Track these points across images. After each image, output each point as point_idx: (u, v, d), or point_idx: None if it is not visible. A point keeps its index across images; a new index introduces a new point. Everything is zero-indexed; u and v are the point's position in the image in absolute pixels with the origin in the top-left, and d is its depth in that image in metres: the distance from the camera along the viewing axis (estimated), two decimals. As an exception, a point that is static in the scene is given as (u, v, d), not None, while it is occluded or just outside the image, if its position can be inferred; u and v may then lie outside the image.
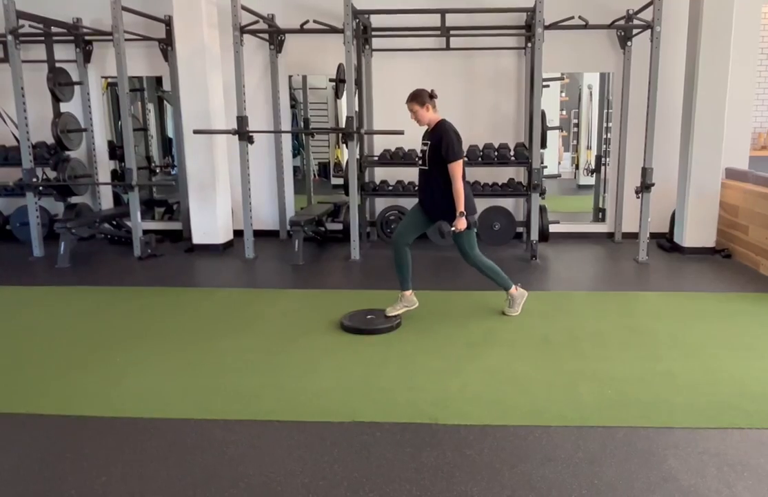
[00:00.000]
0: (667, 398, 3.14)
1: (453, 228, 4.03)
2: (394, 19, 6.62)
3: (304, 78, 8.81)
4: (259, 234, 6.89)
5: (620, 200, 6.97)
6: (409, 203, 6.27)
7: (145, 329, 4.28)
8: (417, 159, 4.33)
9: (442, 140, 4.03)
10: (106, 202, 7.56)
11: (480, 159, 6.50)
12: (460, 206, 4.03)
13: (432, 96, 4.14)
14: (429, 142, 4.14)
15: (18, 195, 6.79)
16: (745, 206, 5.90)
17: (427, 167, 4.16)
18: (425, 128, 4.26)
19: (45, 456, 2.68)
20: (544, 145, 6.46)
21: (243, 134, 6.11)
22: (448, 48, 6.82)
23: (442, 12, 6.32)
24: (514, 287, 4.46)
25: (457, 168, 4.01)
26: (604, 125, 7.61)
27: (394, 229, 6.63)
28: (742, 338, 3.97)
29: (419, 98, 4.10)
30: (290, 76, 7.37)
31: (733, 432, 2.82)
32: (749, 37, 6.39)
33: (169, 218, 8.05)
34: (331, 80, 7.30)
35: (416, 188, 4.44)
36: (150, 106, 8.71)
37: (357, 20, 6.35)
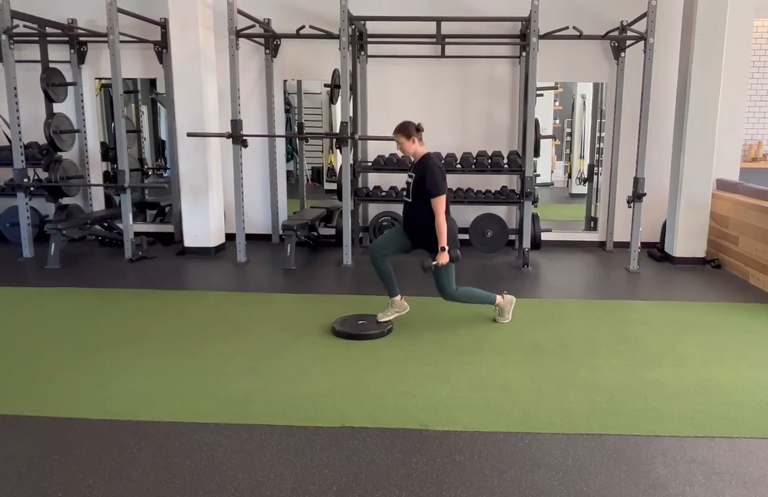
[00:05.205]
0: (656, 406, 3.16)
1: (435, 263, 4.05)
2: (389, 26, 6.65)
3: (299, 83, 8.82)
4: (251, 238, 6.87)
5: (612, 209, 7.01)
6: (402, 209, 6.27)
7: (135, 331, 4.25)
8: (402, 191, 4.33)
9: (426, 175, 4.06)
10: (98, 203, 7.52)
11: (473, 166, 6.51)
12: (443, 241, 4.04)
13: (419, 129, 4.17)
14: (414, 175, 4.17)
15: (9, 195, 6.75)
16: (736, 217, 5.95)
17: (411, 200, 4.20)
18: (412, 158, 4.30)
19: (31, 457, 2.66)
20: (537, 153, 6.49)
21: (237, 137, 6.10)
22: (443, 55, 6.85)
23: (438, 20, 6.36)
24: (499, 296, 4.47)
25: (440, 203, 4.03)
26: (597, 134, 7.66)
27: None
28: (731, 348, 4.00)
29: (405, 130, 4.15)
30: (285, 81, 7.37)
31: (721, 440, 2.83)
32: (741, 49, 6.45)
33: (161, 221, 8.02)
34: (325, 85, 7.29)
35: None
36: (143, 109, 8.68)
37: (353, 26, 6.36)
